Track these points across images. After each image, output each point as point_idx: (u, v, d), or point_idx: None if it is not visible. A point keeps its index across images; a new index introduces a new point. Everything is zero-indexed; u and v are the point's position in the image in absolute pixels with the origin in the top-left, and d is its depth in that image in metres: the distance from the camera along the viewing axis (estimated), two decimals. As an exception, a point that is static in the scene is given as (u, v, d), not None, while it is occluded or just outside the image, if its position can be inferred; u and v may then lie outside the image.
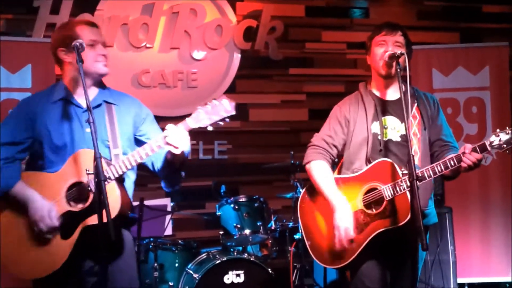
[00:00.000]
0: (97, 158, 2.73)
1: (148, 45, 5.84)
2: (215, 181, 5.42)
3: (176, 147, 2.92)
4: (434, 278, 5.25)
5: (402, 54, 3.15)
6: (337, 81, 6.32)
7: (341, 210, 3.21)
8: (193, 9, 5.90)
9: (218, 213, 5.02)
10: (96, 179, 2.72)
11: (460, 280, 5.42)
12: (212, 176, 5.73)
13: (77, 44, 2.89)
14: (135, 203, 4.28)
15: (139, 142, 3.15)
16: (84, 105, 3.04)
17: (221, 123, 2.95)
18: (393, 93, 3.36)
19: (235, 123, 6.02)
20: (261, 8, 6.09)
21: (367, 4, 6.52)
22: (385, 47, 3.26)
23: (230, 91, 5.98)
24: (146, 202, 4.75)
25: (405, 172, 3.08)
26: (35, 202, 2.96)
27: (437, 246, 5.24)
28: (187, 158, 3.11)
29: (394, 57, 3.16)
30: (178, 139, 2.90)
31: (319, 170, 3.35)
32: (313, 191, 3.42)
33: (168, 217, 5.13)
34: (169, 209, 5.09)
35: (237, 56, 6.07)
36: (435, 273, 5.25)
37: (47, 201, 2.96)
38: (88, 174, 2.83)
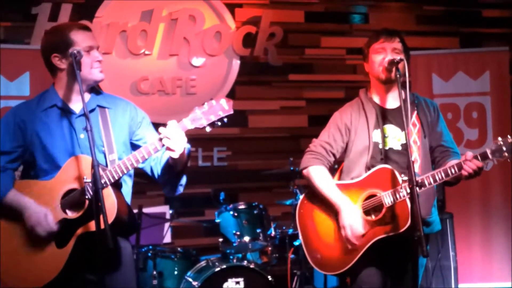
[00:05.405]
0: (95, 166, 2.67)
1: (147, 52, 5.82)
2: (214, 188, 5.40)
3: (173, 150, 2.83)
4: (435, 284, 5.23)
5: (401, 60, 3.14)
6: (337, 87, 6.30)
7: (346, 210, 3.19)
8: (192, 15, 5.89)
9: (217, 220, 5.00)
10: (94, 187, 2.65)
11: (461, 286, 5.40)
12: (211, 183, 5.72)
13: (75, 52, 2.83)
14: (134, 211, 4.25)
15: (135, 147, 3.03)
16: (77, 110, 2.98)
17: (219, 123, 2.86)
18: (393, 101, 3.34)
19: (234, 129, 6.01)
20: (260, 14, 6.07)
21: (367, 9, 6.50)
22: (384, 54, 3.24)
23: (230, 98, 5.91)
24: (145, 210, 4.74)
25: (405, 178, 3.06)
26: (30, 208, 2.88)
27: (438, 252, 5.22)
28: (188, 157, 3.01)
29: (393, 64, 3.15)
30: (174, 141, 2.81)
31: (318, 174, 3.33)
32: (312, 196, 3.39)
33: (167, 224, 5.11)
34: (168, 216, 5.07)
35: (236, 63, 6.06)
36: (436, 279, 5.24)
37: (42, 207, 2.87)
38: (85, 182, 2.77)
